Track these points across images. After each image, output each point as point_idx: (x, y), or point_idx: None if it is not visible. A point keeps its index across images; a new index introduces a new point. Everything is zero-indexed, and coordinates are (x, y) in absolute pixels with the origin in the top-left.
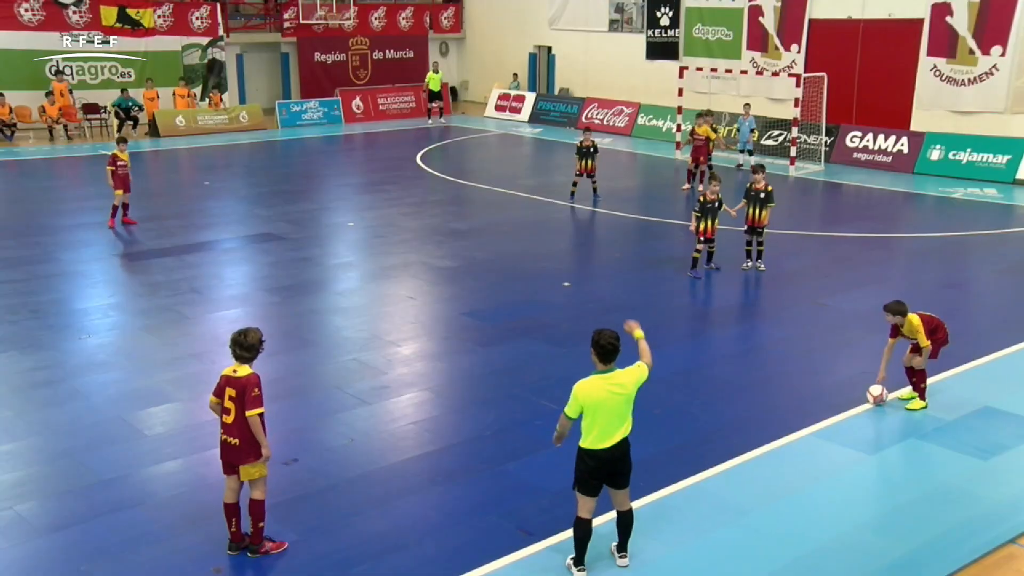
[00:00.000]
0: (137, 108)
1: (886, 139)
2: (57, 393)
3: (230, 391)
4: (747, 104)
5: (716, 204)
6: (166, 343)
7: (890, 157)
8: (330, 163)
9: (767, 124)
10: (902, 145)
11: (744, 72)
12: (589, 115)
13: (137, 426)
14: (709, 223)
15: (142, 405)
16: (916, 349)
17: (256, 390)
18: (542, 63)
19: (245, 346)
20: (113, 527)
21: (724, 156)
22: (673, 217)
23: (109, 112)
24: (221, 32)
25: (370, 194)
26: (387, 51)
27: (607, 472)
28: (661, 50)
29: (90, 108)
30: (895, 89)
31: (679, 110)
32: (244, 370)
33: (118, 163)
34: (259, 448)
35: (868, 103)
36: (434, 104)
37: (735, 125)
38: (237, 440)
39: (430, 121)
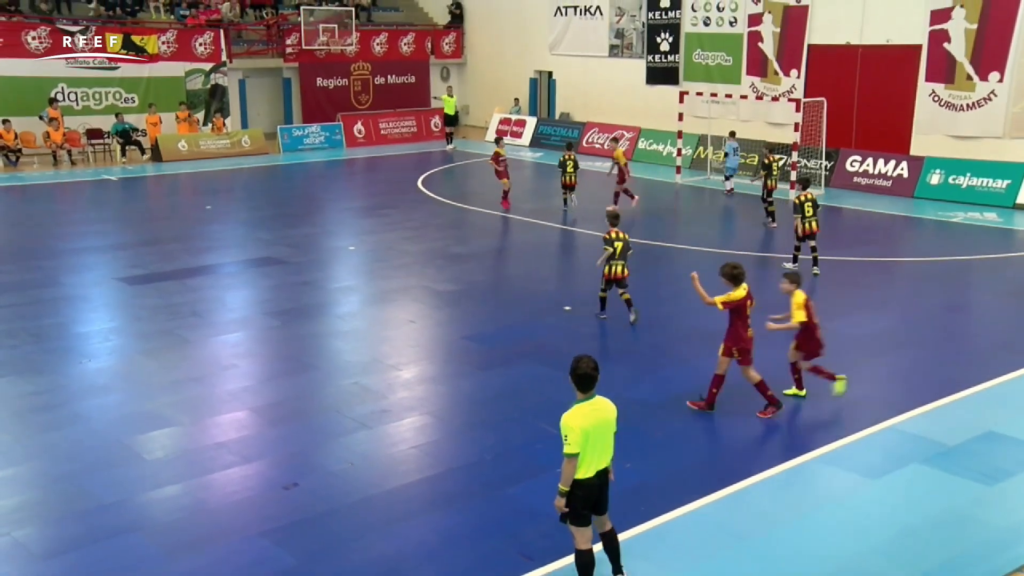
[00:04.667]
0: (138, 132)
1: (886, 163)
2: (56, 417)
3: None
4: (731, 132)
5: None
6: (166, 367)
7: (890, 181)
8: (331, 187)
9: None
10: (902, 169)
11: (744, 97)
12: (590, 139)
13: (137, 450)
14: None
15: (142, 429)
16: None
17: None
18: (543, 88)
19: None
20: (112, 552)
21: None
22: (673, 241)
23: (111, 137)
24: (224, 57)
25: (371, 218)
26: (389, 76)
27: (594, 500)
28: (661, 75)
29: (94, 133)
30: (894, 114)
31: (679, 135)
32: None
33: (500, 159)
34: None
35: (868, 128)
36: (451, 128)
37: (723, 151)
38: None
39: (449, 146)
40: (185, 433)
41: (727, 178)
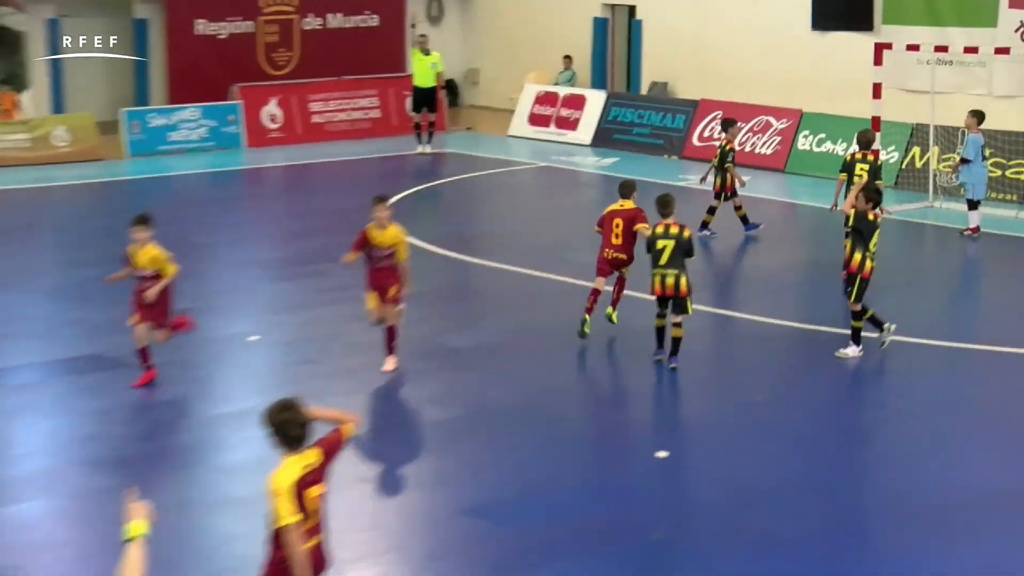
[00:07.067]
0: None
1: None
2: None
3: None
4: (975, 111)
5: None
6: None
7: None
8: (219, 223)
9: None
10: None
11: (1003, 51)
12: (707, 132)
13: None
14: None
15: None
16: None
17: None
18: (617, 38)
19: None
20: None
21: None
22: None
23: None
24: None
25: (293, 281)
26: (329, 16)
27: None
28: (840, 14)
29: None
30: None
31: (875, 123)
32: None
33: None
34: None
35: None
36: (421, 114)
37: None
38: None
39: (419, 147)
40: None
41: (970, 204)
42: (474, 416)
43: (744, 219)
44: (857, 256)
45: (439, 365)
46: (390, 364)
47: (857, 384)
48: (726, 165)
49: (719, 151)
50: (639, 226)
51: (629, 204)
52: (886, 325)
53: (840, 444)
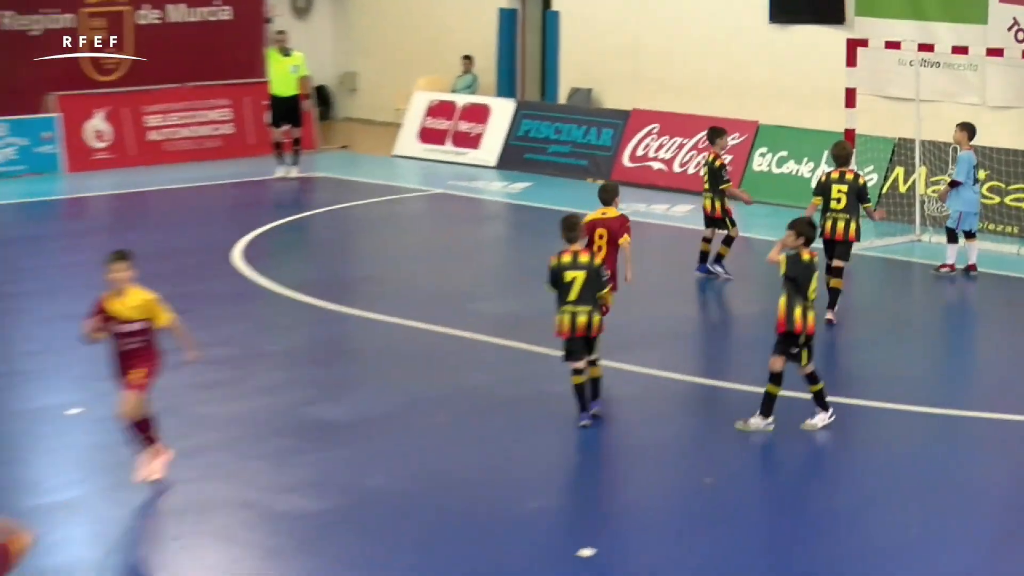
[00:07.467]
0: None
1: None
2: None
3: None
4: (964, 124)
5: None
6: None
7: None
8: (30, 267)
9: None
10: None
11: (996, 52)
12: (642, 150)
13: None
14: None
15: None
16: None
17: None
18: (529, 34)
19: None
20: None
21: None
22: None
23: None
24: None
25: None
26: (169, 8)
27: None
28: (804, 4)
29: None
30: None
31: (848, 137)
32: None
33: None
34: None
35: None
36: (283, 129)
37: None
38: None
39: (281, 170)
40: None
41: (950, 235)
42: (352, 507)
43: (704, 256)
44: (798, 312)
45: (308, 443)
46: (155, 469)
47: (828, 461)
48: (722, 186)
49: (706, 168)
50: (624, 239)
51: (612, 212)
52: (768, 420)
53: (808, 536)
